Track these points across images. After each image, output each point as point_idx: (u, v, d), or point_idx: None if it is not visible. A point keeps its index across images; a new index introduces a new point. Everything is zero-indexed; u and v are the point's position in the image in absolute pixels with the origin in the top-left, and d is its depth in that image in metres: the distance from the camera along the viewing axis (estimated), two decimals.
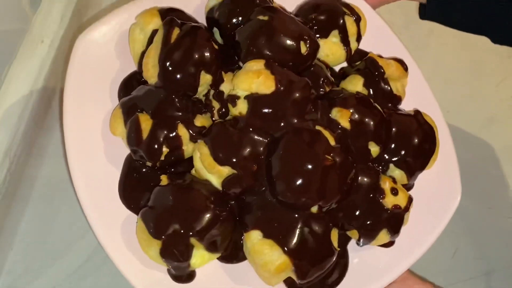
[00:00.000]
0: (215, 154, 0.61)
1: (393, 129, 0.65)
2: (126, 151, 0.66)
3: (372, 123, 0.63)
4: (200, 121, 0.64)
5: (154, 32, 0.68)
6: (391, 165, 0.65)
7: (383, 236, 0.62)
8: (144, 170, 0.64)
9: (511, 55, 0.80)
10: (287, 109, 0.62)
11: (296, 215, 0.60)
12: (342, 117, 0.62)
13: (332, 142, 0.60)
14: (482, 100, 0.73)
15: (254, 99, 0.62)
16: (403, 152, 0.65)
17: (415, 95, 0.72)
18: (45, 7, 0.71)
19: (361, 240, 0.63)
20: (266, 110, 0.61)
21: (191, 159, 0.64)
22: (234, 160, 0.60)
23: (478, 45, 0.84)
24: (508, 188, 0.81)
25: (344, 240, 0.65)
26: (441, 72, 0.91)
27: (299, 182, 0.59)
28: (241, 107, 0.61)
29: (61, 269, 0.64)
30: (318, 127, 0.62)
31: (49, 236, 0.69)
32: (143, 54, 0.68)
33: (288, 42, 0.65)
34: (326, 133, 0.62)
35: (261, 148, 0.61)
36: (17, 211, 0.68)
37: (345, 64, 0.76)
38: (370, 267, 0.65)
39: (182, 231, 0.57)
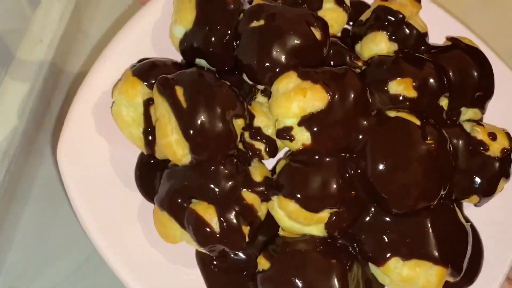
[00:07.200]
0: (306, 204, 0.50)
1: (449, 71, 0.58)
2: None
3: (433, 78, 0.55)
4: (259, 172, 0.54)
5: (146, 102, 0.53)
6: (463, 108, 0.59)
7: (501, 185, 0.58)
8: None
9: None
10: (351, 112, 0.51)
11: (422, 218, 0.52)
12: (406, 88, 0.54)
13: (416, 122, 0.51)
14: None
15: (313, 121, 0.51)
16: (469, 89, 0.58)
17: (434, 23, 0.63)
18: (44, 7, 0.71)
19: (481, 200, 0.57)
20: (332, 126, 0.51)
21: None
22: (330, 199, 0.50)
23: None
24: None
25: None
26: None
27: (416, 183, 0.50)
28: (302, 137, 0.51)
29: (60, 269, 0.64)
30: (392, 113, 0.52)
31: (48, 236, 0.68)
32: (146, 133, 0.54)
33: (302, 36, 0.53)
34: (405, 115, 0.52)
35: (346, 169, 0.52)
36: (16, 211, 0.67)
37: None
38: None
39: None
